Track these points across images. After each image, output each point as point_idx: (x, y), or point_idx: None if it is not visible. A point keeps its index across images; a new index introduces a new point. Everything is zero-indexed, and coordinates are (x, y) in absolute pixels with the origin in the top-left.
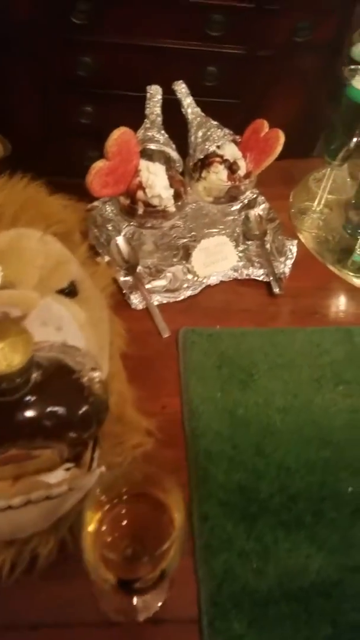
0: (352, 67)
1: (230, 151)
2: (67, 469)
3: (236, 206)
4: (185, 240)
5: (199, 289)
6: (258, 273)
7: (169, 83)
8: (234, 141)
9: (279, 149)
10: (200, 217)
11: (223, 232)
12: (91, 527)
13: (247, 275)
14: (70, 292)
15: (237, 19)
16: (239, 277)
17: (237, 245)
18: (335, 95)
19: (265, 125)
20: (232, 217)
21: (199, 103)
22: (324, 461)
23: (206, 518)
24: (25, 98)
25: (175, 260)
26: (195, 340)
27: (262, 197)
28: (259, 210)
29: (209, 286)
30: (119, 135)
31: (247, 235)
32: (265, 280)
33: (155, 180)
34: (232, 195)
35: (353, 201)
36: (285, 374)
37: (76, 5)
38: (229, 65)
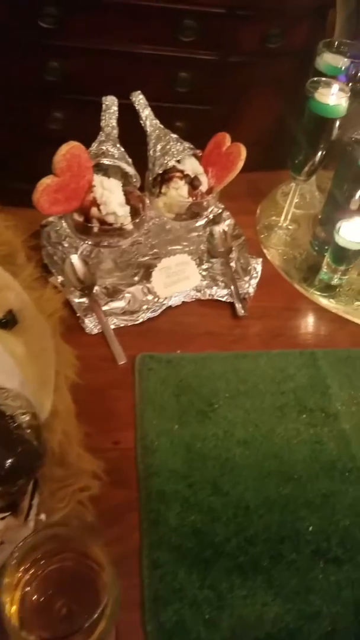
0: (315, 78)
1: (191, 166)
2: (1, 519)
3: (200, 222)
4: (146, 258)
5: (159, 310)
6: (222, 293)
7: (141, 88)
8: (195, 155)
9: (240, 164)
10: (163, 233)
11: (187, 249)
12: (13, 608)
13: (210, 295)
14: (7, 322)
15: (209, 24)
16: (202, 298)
17: (200, 264)
18: (299, 107)
19: (227, 140)
20: (196, 234)
21: (170, 109)
22: (284, 498)
23: (157, 565)
24: None
25: (135, 279)
26: (153, 367)
27: (228, 213)
28: (224, 226)
29: (170, 308)
30: (68, 150)
31: (212, 253)
32: (229, 300)
33: (110, 197)
34: (194, 212)
35: (320, 216)
36: (247, 402)
37: (44, 9)
38: (201, 71)
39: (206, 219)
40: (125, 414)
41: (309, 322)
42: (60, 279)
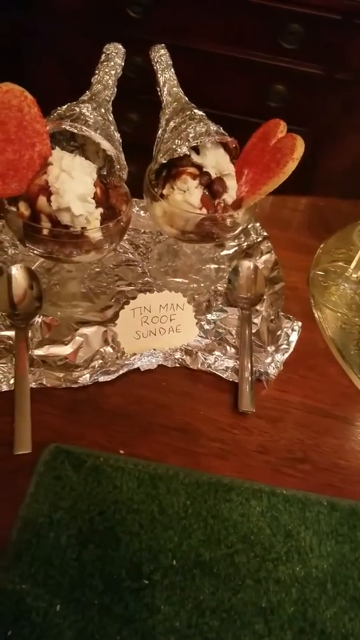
0: None
1: (215, 160)
2: None
3: (226, 250)
4: (130, 287)
5: (117, 373)
6: (225, 365)
7: (226, 98)
8: (226, 147)
9: (290, 165)
10: (167, 256)
11: (193, 285)
12: None
13: (207, 365)
14: None
15: (318, 31)
16: (191, 366)
17: (207, 311)
18: None
19: (280, 127)
20: (214, 266)
21: (257, 125)
22: None
23: None
24: None
25: (107, 315)
26: (64, 473)
27: (269, 244)
28: (259, 262)
29: (136, 371)
30: (1, 95)
31: (230, 298)
32: (232, 379)
33: (68, 184)
34: (208, 232)
35: None
36: (207, 587)
37: None
38: (300, 86)
39: (237, 247)
40: None
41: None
42: None
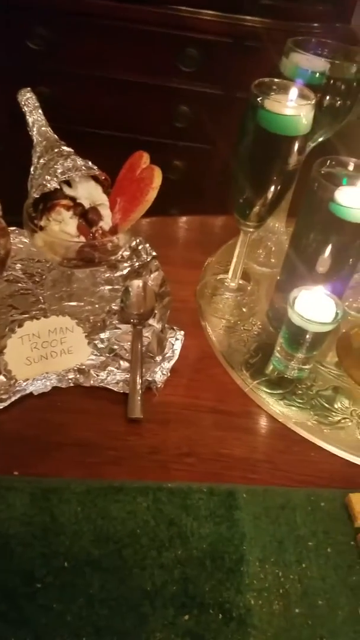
0: (266, 79)
1: (88, 192)
2: None
3: (120, 271)
4: (24, 316)
5: (10, 400)
6: (117, 378)
7: (138, 121)
8: (96, 179)
9: (151, 194)
10: (61, 282)
11: (88, 307)
12: None
13: (100, 381)
14: None
15: (214, 54)
16: (85, 384)
17: (100, 330)
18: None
19: (144, 159)
20: (109, 287)
21: (168, 146)
22: None
23: None
24: None
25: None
26: None
27: (157, 263)
28: (150, 279)
29: (31, 396)
30: None
31: (123, 316)
32: (123, 391)
33: None
34: (89, 257)
35: (279, 277)
36: (96, 581)
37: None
38: (202, 106)
39: (129, 267)
40: None
41: (241, 437)
42: None
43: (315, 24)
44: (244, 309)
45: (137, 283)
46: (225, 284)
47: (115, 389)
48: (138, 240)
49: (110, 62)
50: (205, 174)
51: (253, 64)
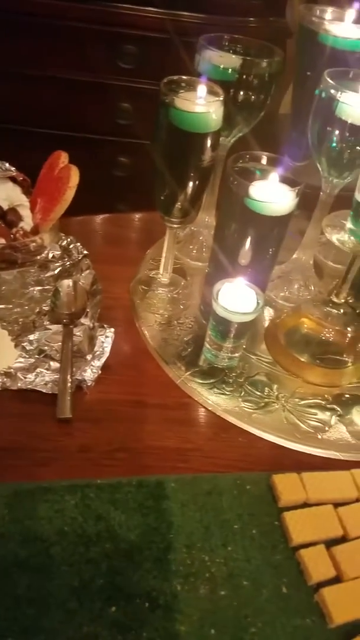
0: (175, 77)
1: (5, 194)
2: None
3: (51, 271)
4: None
5: None
6: (46, 379)
7: (81, 119)
8: (15, 180)
9: (69, 193)
10: None
11: (17, 309)
12: None
13: (28, 383)
14: None
15: (151, 50)
16: (12, 387)
17: (31, 331)
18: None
19: (62, 158)
20: (39, 288)
21: (112, 143)
22: None
23: None
24: None
25: None
26: None
27: (88, 262)
28: (82, 278)
29: None
30: None
31: (54, 317)
32: (51, 392)
33: None
34: (12, 259)
35: (207, 270)
36: (25, 580)
37: None
38: (142, 102)
39: (61, 267)
40: None
41: (173, 429)
42: None
43: (251, 18)
44: (178, 304)
45: (67, 282)
46: (158, 279)
47: (44, 391)
48: (69, 240)
49: (48, 61)
50: (151, 169)
51: (190, 60)
